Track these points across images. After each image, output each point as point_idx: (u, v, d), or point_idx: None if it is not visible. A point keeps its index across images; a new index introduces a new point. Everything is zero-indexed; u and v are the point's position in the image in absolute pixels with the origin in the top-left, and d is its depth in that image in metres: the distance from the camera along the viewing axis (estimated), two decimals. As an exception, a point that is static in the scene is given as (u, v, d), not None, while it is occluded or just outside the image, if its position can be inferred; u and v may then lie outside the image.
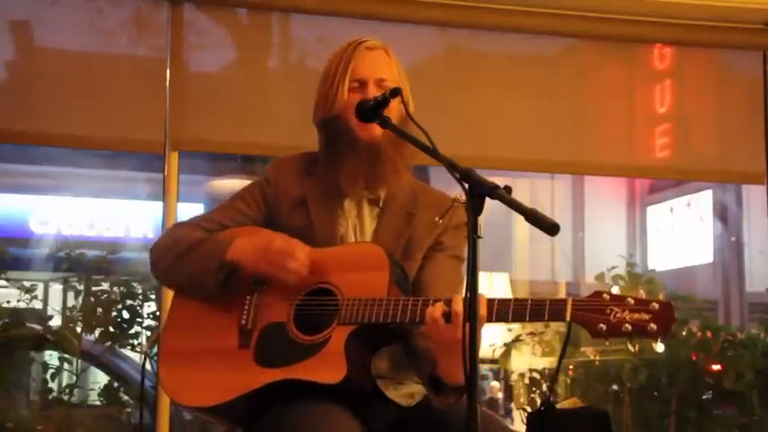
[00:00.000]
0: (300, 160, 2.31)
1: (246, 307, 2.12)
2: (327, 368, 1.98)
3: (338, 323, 2.01)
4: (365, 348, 2.05)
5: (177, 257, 2.17)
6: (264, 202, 2.26)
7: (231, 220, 2.25)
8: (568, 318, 1.85)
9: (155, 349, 4.59)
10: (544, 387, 5.24)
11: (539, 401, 5.18)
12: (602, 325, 1.82)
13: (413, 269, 2.19)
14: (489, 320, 1.89)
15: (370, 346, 2.07)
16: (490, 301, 1.89)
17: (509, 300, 1.92)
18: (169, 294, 2.29)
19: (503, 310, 1.90)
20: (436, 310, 1.90)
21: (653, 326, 1.80)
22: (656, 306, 1.81)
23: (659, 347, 1.85)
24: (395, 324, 2.00)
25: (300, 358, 2.01)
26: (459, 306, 1.86)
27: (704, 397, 5.71)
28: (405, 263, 2.16)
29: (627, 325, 1.81)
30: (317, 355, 2.00)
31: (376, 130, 2.12)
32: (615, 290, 1.90)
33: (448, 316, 1.88)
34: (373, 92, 2.15)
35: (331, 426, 1.94)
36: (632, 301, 1.82)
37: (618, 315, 1.82)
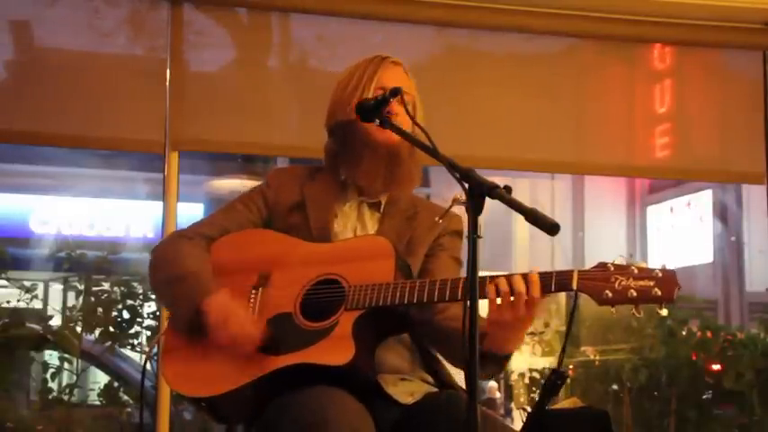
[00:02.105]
0: (301, 169, 2.37)
1: (252, 300, 2.14)
2: (335, 351, 1.99)
3: (345, 309, 2.04)
4: (371, 334, 2.07)
5: (166, 282, 2.19)
6: (265, 204, 2.31)
7: (232, 222, 2.29)
8: (575, 287, 1.90)
9: (155, 349, 4.60)
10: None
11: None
12: (607, 292, 1.87)
13: (415, 265, 2.22)
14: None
15: (376, 333, 2.09)
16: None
17: (516, 275, 1.95)
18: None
19: None
20: (502, 284, 1.93)
21: (657, 291, 1.84)
22: (659, 273, 1.86)
23: (663, 312, 1.87)
24: (402, 307, 2.04)
25: (308, 344, 2.02)
26: (520, 286, 1.91)
27: (704, 397, 5.72)
28: (407, 258, 2.19)
29: (632, 291, 1.85)
30: (325, 339, 2.02)
31: (394, 135, 2.15)
32: (619, 260, 1.94)
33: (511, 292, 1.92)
34: (395, 103, 2.19)
35: (342, 412, 1.93)
36: (636, 270, 1.87)
37: (623, 283, 1.86)
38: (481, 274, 1.84)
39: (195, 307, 2.09)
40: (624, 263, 1.89)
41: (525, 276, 1.93)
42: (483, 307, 1.97)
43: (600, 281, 1.88)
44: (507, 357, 2.06)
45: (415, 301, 2.01)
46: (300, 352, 2.02)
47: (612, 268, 1.89)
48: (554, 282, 1.92)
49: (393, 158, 2.24)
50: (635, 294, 1.85)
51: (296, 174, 2.35)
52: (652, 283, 1.85)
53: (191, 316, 2.11)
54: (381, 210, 2.30)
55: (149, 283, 2.28)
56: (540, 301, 1.94)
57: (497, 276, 1.95)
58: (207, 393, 2.09)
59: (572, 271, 1.91)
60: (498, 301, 1.94)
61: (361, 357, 2.00)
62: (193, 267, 2.17)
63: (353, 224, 2.27)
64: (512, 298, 1.92)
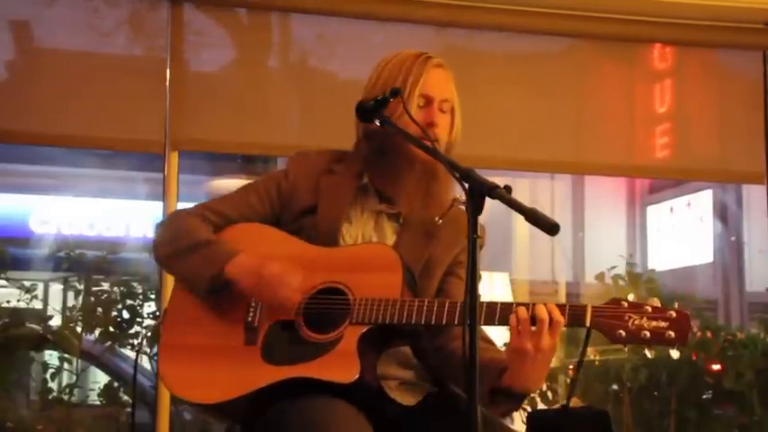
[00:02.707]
0: (325, 157, 2.26)
1: (253, 304, 2.08)
2: (340, 367, 1.96)
3: (350, 323, 1.99)
4: (375, 349, 2.04)
5: (177, 253, 2.14)
6: (279, 197, 2.22)
7: (240, 214, 2.22)
8: (588, 324, 1.90)
9: (154, 349, 4.60)
10: (544, 387, 5.23)
11: (539, 401, 5.17)
12: (621, 331, 1.87)
13: (432, 287, 2.17)
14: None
15: (380, 346, 2.06)
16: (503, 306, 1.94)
17: (538, 304, 1.93)
18: (169, 295, 2.26)
19: None
20: (522, 312, 1.90)
21: (671, 333, 1.85)
22: (673, 314, 1.86)
23: (675, 354, 1.88)
24: (409, 326, 1.99)
25: (311, 357, 1.99)
26: (543, 313, 1.89)
27: (704, 397, 5.71)
28: (423, 282, 2.13)
29: (645, 332, 1.86)
30: (329, 354, 1.98)
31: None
32: (631, 297, 1.94)
33: (532, 321, 1.90)
34: (437, 112, 2.15)
35: (343, 423, 1.92)
36: (650, 309, 1.87)
37: (636, 322, 1.87)
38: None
39: (216, 271, 2.04)
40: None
41: (546, 305, 1.91)
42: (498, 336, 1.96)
43: (613, 318, 1.88)
44: (524, 396, 2.03)
45: (423, 322, 1.97)
46: (305, 364, 1.98)
47: (626, 305, 1.89)
48: (567, 315, 1.90)
49: (431, 174, 2.13)
50: (648, 335, 1.86)
51: (316, 167, 2.23)
52: (665, 325, 1.85)
53: (209, 284, 2.05)
54: (401, 221, 2.20)
55: (156, 257, 2.19)
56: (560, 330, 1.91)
57: (519, 304, 1.93)
58: (210, 401, 2.05)
59: (585, 306, 1.90)
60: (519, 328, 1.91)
61: (366, 373, 1.97)
62: (205, 239, 2.12)
63: (369, 234, 2.18)
64: (533, 328, 1.89)
